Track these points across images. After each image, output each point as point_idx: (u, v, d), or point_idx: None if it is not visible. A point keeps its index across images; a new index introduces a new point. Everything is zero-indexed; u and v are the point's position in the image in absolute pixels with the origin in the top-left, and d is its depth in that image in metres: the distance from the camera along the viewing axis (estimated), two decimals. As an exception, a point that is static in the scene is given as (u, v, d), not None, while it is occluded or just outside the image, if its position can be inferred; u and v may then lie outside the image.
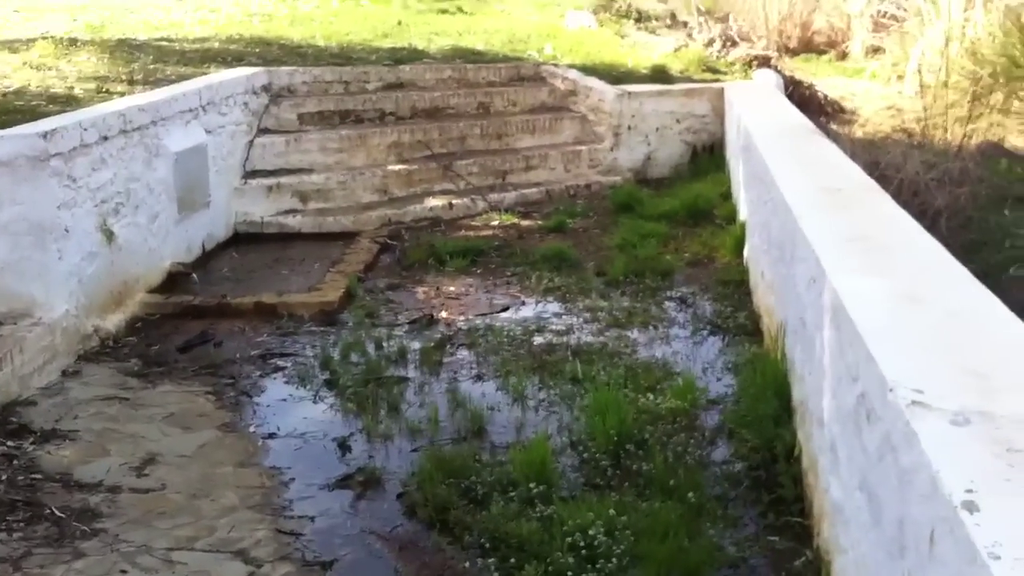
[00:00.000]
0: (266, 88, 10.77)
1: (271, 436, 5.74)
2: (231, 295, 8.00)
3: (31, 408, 6.03)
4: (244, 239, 9.82)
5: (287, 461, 5.43)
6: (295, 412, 6.07)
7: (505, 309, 7.70)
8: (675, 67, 13.53)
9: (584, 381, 6.14)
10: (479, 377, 6.41)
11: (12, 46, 10.91)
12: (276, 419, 5.96)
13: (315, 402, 6.19)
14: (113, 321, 7.37)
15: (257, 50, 12.06)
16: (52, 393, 6.29)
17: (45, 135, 6.59)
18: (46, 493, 4.96)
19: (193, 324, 7.58)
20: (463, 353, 6.82)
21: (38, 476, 5.12)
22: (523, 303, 7.83)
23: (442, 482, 4.89)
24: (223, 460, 5.43)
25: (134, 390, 6.39)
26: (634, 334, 7.00)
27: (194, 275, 8.54)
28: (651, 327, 7.12)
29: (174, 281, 8.41)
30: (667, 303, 7.64)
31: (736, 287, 7.75)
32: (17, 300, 6.60)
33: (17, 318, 6.56)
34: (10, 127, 7.08)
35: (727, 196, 10.09)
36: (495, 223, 10.04)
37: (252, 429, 5.84)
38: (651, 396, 5.80)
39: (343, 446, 5.55)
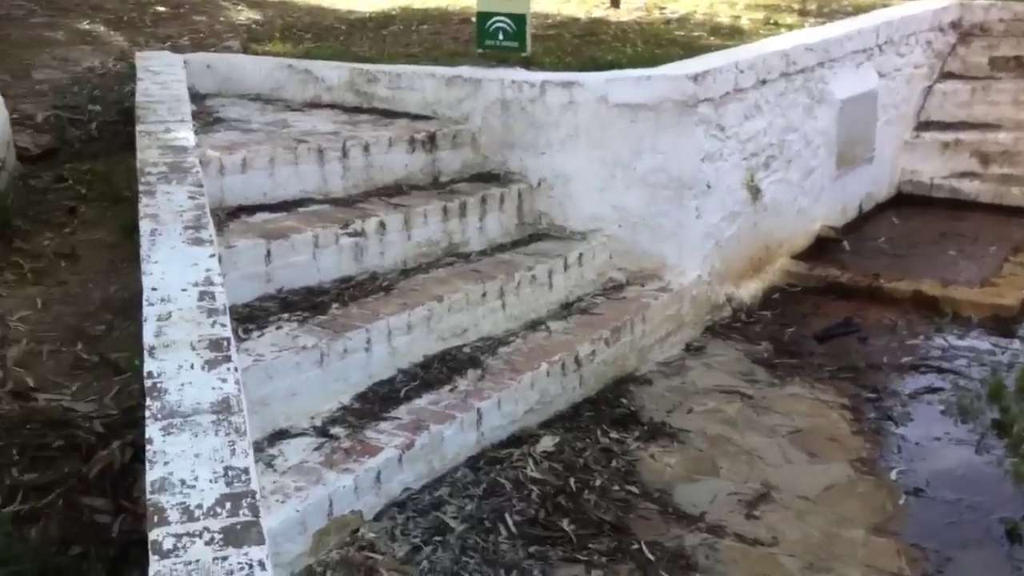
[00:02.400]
0: (954, 25, 9.00)
1: (916, 492, 4.38)
2: (885, 275, 6.63)
3: (644, 389, 5.26)
4: (906, 202, 8.33)
5: (934, 539, 4.04)
6: (949, 460, 4.65)
7: None
8: None
9: None
10: None
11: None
12: (925, 466, 4.59)
13: (978, 451, 4.70)
14: (748, 290, 6.40)
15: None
16: (670, 372, 5.48)
17: (695, 77, 5.66)
18: (639, 517, 4.11)
19: (836, 306, 6.39)
20: None
21: (634, 489, 4.29)
22: None
23: None
24: (852, 516, 4.20)
25: (759, 385, 5.36)
26: None
27: (845, 242, 7.29)
28: None
29: (821, 247, 7.23)
30: None
31: None
32: (647, 260, 5.85)
33: (644, 280, 5.82)
34: (663, 63, 6.30)
35: None
36: None
37: (893, 475, 4.52)
38: None
39: (1013, 534, 4.04)
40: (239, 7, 9.23)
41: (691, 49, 6.99)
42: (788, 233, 6.89)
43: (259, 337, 4.32)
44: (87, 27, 8.24)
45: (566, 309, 5.48)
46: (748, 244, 6.41)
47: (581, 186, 5.83)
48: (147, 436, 2.62)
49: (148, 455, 2.54)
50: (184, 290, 3.51)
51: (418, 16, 8.62)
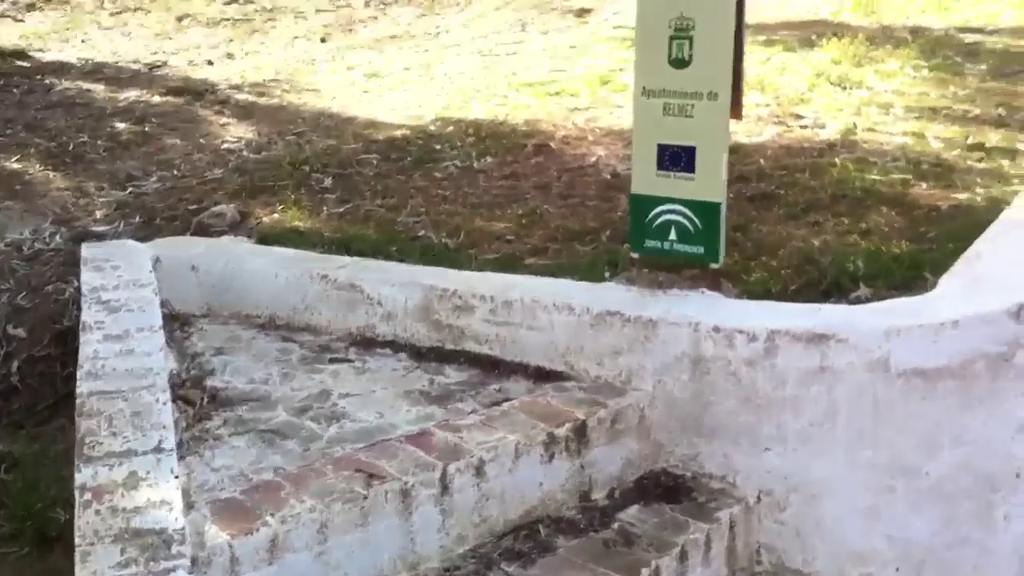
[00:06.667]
0: None
1: None
2: None
3: None
4: None
5: None
6: None
7: None
8: None
9: None
10: None
11: (802, 33, 7.62)
12: None
13: None
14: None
15: None
16: None
17: (1018, 313, 3.26)
18: None
19: None
20: None
21: None
22: None
23: None
24: None
25: None
26: None
27: None
28: None
29: None
30: None
31: None
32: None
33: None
34: (925, 263, 3.88)
35: None
36: None
37: None
38: None
39: None
40: (225, 118, 6.73)
41: (907, 208, 4.63)
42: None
43: None
44: (15, 166, 5.73)
45: None
46: None
47: (837, 505, 3.38)
48: None
49: None
50: None
51: (469, 136, 6.11)
